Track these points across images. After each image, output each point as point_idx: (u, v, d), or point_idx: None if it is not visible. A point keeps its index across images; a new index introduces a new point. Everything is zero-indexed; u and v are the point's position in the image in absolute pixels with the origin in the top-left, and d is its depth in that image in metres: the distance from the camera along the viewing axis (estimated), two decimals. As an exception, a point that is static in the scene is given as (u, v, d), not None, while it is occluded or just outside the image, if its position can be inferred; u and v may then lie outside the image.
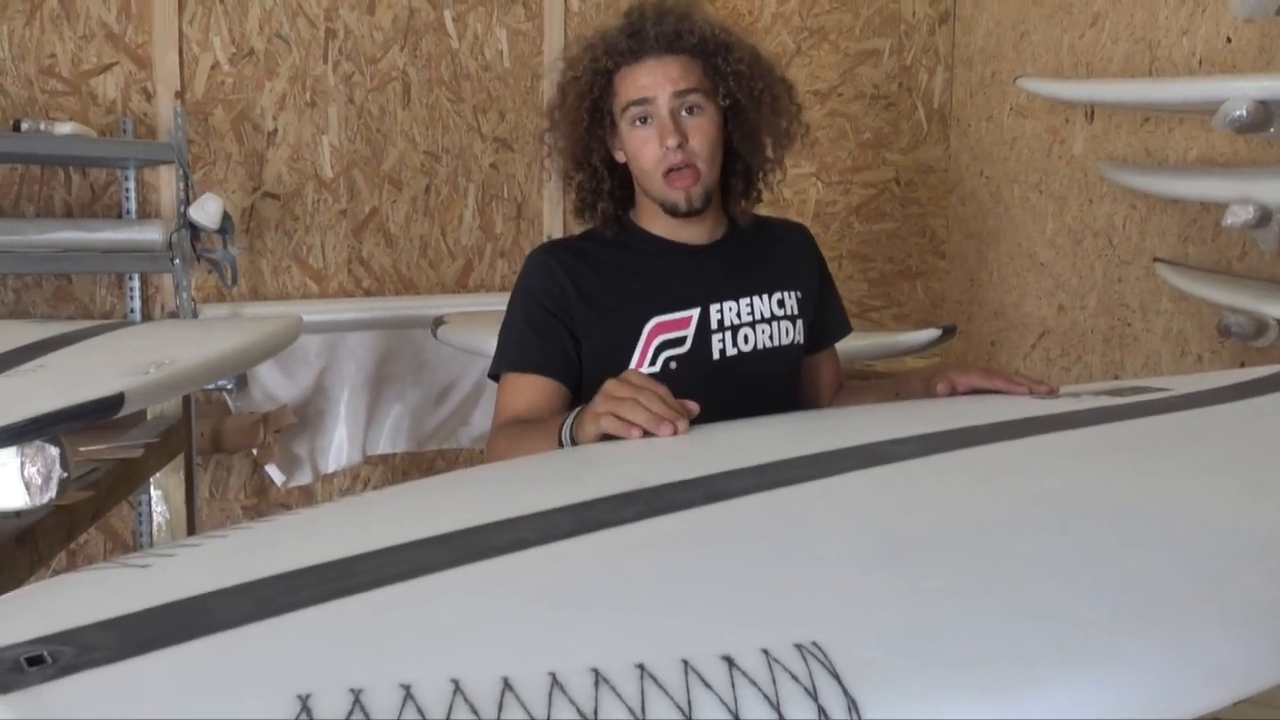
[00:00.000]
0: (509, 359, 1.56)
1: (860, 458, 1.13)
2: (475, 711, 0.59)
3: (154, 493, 2.74)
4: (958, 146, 4.05)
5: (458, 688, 0.60)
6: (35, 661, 0.62)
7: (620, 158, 1.59)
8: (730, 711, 0.61)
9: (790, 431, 1.38)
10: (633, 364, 1.53)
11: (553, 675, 0.62)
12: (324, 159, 3.41)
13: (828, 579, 0.81)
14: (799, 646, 0.67)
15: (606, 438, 1.26)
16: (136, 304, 3.15)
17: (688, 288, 1.57)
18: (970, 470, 1.13)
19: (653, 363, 1.53)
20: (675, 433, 1.23)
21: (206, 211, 2.97)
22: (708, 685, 0.63)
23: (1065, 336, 3.52)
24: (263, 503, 3.44)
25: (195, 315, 3.12)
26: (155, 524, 2.78)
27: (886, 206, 4.08)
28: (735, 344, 1.57)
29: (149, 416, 2.56)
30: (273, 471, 3.36)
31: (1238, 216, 2.44)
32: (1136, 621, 0.79)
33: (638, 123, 1.53)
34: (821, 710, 0.63)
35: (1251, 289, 2.63)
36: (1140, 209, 3.18)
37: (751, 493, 0.99)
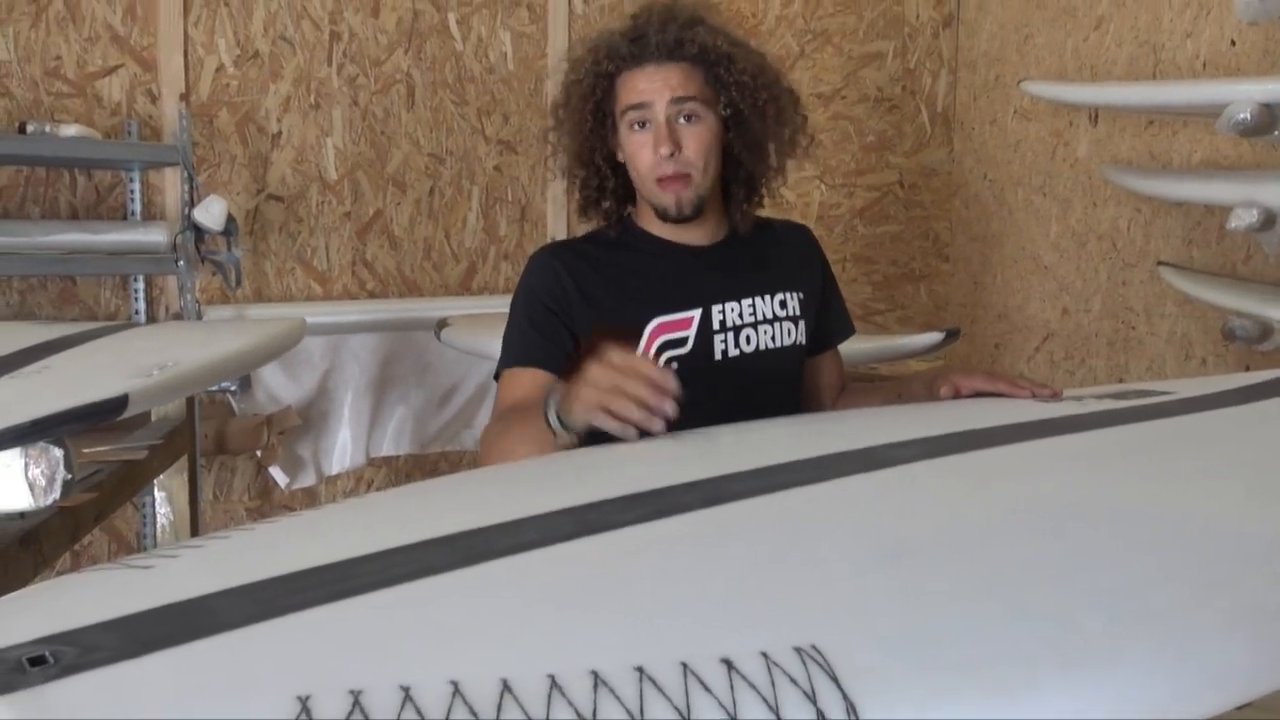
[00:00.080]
0: (511, 356, 1.56)
1: (861, 461, 1.13)
2: (474, 713, 0.59)
3: (158, 494, 2.75)
4: (961, 149, 4.05)
5: (457, 689, 0.60)
6: (37, 662, 0.62)
7: (622, 157, 1.59)
8: (729, 714, 0.62)
9: (791, 434, 1.38)
10: None
11: (552, 677, 0.62)
12: (328, 161, 3.42)
13: (827, 582, 0.81)
14: (798, 650, 0.67)
15: (597, 429, 1.26)
16: (141, 306, 3.16)
17: (690, 288, 1.58)
18: (971, 474, 1.13)
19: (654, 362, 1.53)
20: (667, 418, 1.22)
21: (211, 213, 2.98)
22: (707, 688, 0.63)
23: (1069, 340, 3.52)
24: (266, 504, 3.44)
25: (199, 317, 3.13)
26: (159, 525, 2.79)
27: (890, 209, 4.08)
28: (737, 345, 1.58)
29: (153, 418, 2.57)
30: (276, 473, 3.37)
31: (1242, 220, 2.43)
32: (1136, 625, 0.79)
33: (635, 127, 1.53)
34: (820, 713, 0.63)
35: (1256, 292, 2.62)
36: (1145, 212, 3.18)
37: (751, 496, 0.99)
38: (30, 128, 2.86)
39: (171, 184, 3.18)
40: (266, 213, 3.35)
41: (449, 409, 3.59)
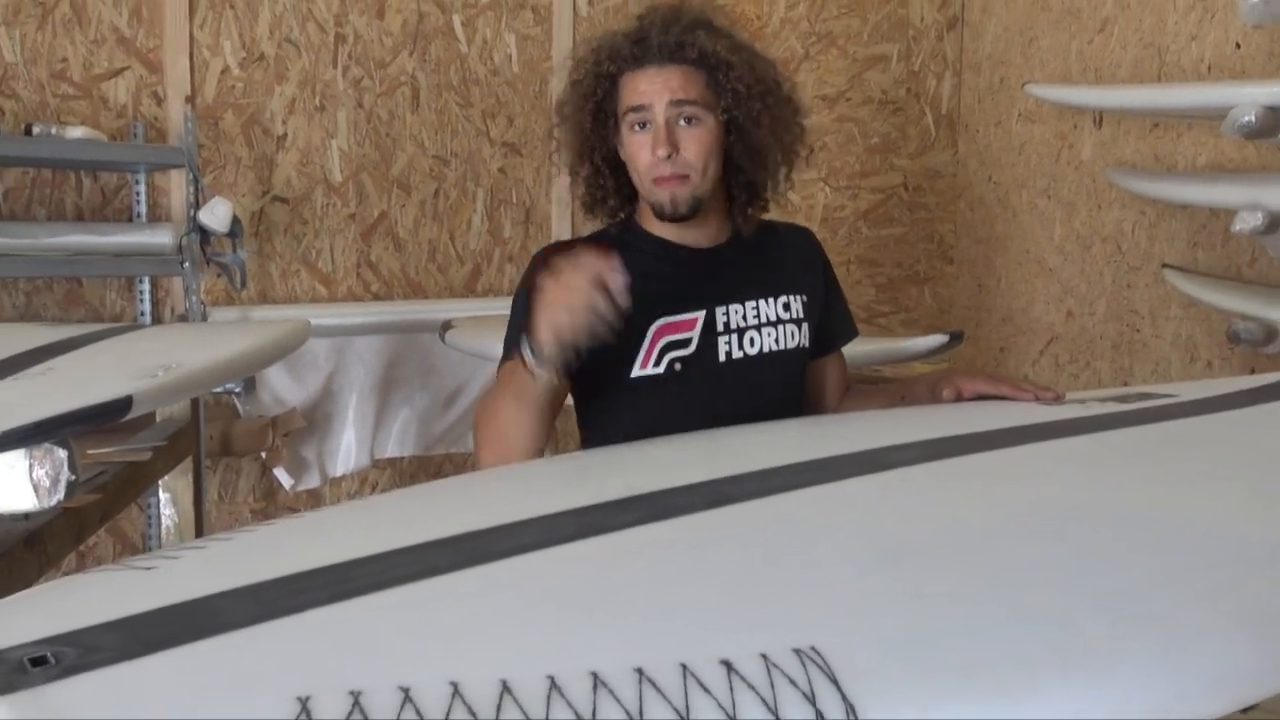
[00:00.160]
0: (509, 351, 1.56)
1: (863, 463, 1.13)
2: (473, 714, 0.59)
3: (163, 495, 2.75)
4: (966, 152, 4.05)
5: (456, 690, 0.60)
6: (39, 662, 0.62)
7: (624, 156, 1.60)
8: (728, 715, 0.62)
9: (793, 437, 1.38)
10: (637, 364, 1.53)
11: (551, 679, 0.62)
12: (333, 163, 3.42)
13: (827, 584, 0.82)
14: (798, 651, 0.67)
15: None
16: (146, 307, 3.16)
17: (693, 290, 1.58)
18: (973, 476, 1.13)
19: (657, 364, 1.54)
20: (614, 295, 1.26)
21: (216, 215, 2.99)
22: (706, 689, 0.63)
23: (1074, 342, 3.51)
24: (271, 506, 3.45)
25: (205, 318, 3.13)
26: (164, 527, 2.79)
27: (894, 212, 4.08)
28: (741, 347, 1.58)
29: (158, 420, 2.57)
30: (281, 475, 3.37)
31: (1247, 223, 2.43)
32: (1138, 628, 0.79)
33: (636, 128, 1.54)
34: (819, 714, 0.63)
35: (1261, 295, 2.62)
36: (1149, 215, 3.17)
37: (753, 498, 0.99)
38: (36, 130, 2.87)
39: (177, 186, 3.19)
40: (271, 215, 3.36)
41: (454, 411, 3.60)
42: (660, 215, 1.56)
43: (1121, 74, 3.23)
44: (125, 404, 1.37)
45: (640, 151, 1.53)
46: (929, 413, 1.54)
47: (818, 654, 0.67)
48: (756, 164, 1.58)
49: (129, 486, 2.09)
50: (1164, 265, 3.04)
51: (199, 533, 2.77)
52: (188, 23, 3.18)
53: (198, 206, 3.05)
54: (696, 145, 1.52)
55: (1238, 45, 2.80)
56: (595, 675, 0.63)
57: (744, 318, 1.59)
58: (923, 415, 1.52)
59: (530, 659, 0.65)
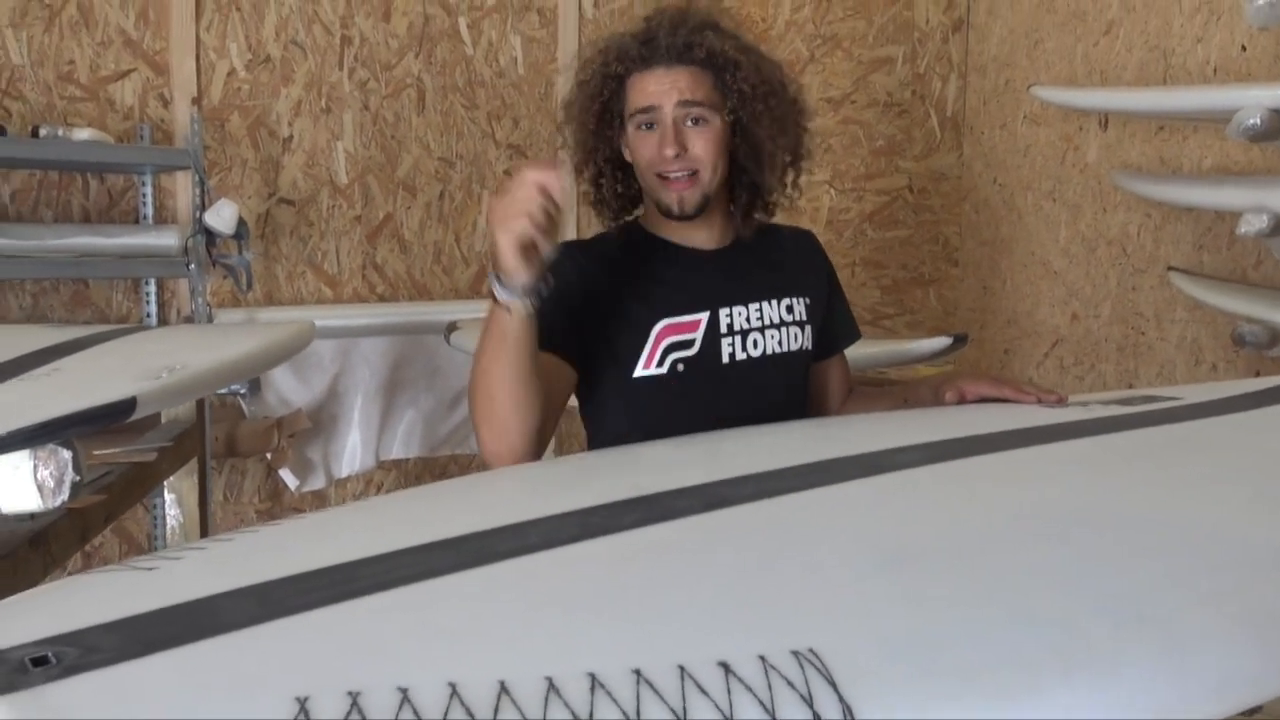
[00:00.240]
0: None
1: (865, 465, 1.13)
2: (471, 714, 0.59)
3: (168, 496, 2.76)
4: (971, 154, 4.05)
5: (454, 691, 0.61)
6: (40, 662, 0.63)
7: (629, 157, 1.60)
8: (725, 717, 0.62)
9: (794, 439, 1.38)
10: (640, 364, 1.53)
11: (549, 680, 0.62)
12: (339, 165, 3.43)
13: (827, 586, 0.82)
14: (795, 653, 0.67)
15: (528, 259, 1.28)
16: (153, 308, 3.17)
17: (697, 291, 1.58)
18: (974, 479, 1.13)
19: (660, 364, 1.54)
20: (555, 196, 1.25)
21: (222, 217, 2.99)
22: (703, 691, 0.63)
23: (1079, 345, 3.51)
24: (276, 507, 3.46)
25: (210, 320, 3.14)
26: (169, 527, 2.80)
27: (899, 214, 4.08)
28: (745, 349, 1.58)
29: (163, 421, 2.58)
30: (286, 476, 3.38)
31: (1252, 225, 2.42)
32: (1139, 630, 0.79)
33: (643, 128, 1.54)
34: (816, 716, 0.63)
35: (1266, 298, 2.61)
36: (1155, 217, 3.17)
37: (753, 500, 0.99)
38: (43, 132, 2.88)
39: (183, 188, 3.20)
40: (277, 216, 3.37)
41: (459, 412, 3.60)
42: (667, 214, 1.56)
43: (1127, 76, 3.23)
44: (129, 405, 1.37)
45: (647, 151, 1.53)
46: (931, 415, 1.53)
47: (816, 656, 0.67)
48: (761, 165, 1.59)
49: (134, 487, 2.10)
50: (1169, 268, 3.03)
51: (204, 533, 2.78)
52: (194, 25, 3.19)
53: (204, 208, 3.06)
54: (703, 144, 1.52)
55: (1244, 48, 2.80)
56: (593, 676, 0.63)
57: (747, 320, 1.59)
58: (925, 417, 1.52)
59: (528, 660, 0.65)
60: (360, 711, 0.59)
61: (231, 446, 3.24)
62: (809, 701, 0.64)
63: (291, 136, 3.36)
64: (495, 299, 1.32)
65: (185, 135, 3.15)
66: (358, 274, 3.48)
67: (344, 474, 3.51)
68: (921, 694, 0.69)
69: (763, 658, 0.66)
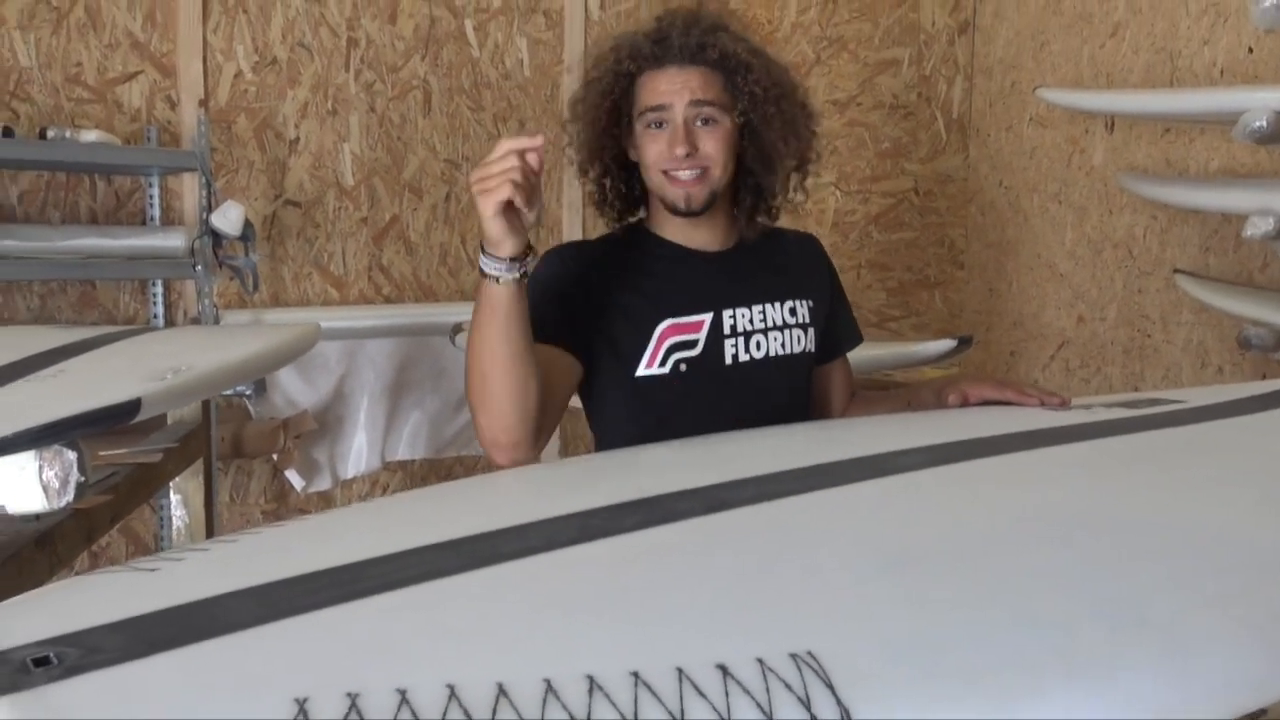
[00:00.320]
0: None
1: (866, 468, 1.13)
2: (468, 715, 0.59)
3: (174, 497, 2.77)
4: (977, 156, 4.04)
5: (453, 693, 0.61)
6: (42, 662, 0.63)
7: (634, 156, 1.60)
8: (722, 719, 0.62)
9: (796, 442, 1.38)
10: (643, 364, 1.54)
11: (547, 682, 0.63)
12: (345, 167, 3.44)
13: (827, 589, 0.82)
14: (794, 656, 0.68)
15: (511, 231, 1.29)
16: (159, 310, 3.18)
17: (701, 292, 1.58)
18: (976, 482, 1.13)
19: (663, 364, 1.54)
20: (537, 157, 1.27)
21: (228, 219, 3.00)
22: (701, 693, 0.63)
23: (1085, 347, 3.50)
24: (282, 508, 3.47)
25: (217, 321, 3.15)
26: (175, 528, 2.80)
27: (905, 216, 4.07)
28: (748, 350, 1.58)
29: (169, 422, 2.59)
30: (292, 477, 3.39)
31: (1258, 228, 2.42)
32: (1141, 633, 0.79)
33: (652, 126, 1.54)
34: (813, 719, 0.63)
35: (1272, 301, 2.61)
36: (1161, 220, 3.17)
37: (754, 503, 0.99)
38: (51, 133, 2.89)
39: (190, 189, 3.21)
40: (284, 218, 3.37)
41: (464, 413, 3.61)
42: (674, 211, 1.56)
43: (1133, 78, 3.22)
44: (134, 406, 1.38)
45: (656, 150, 1.53)
46: (934, 418, 1.54)
47: (814, 658, 0.67)
48: (768, 168, 1.59)
49: (140, 488, 2.11)
50: (1175, 270, 3.03)
51: (209, 534, 2.78)
52: (201, 27, 3.21)
53: (210, 210, 3.07)
54: (713, 143, 1.53)
55: (1250, 50, 2.79)
56: (591, 678, 0.63)
57: (751, 321, 1.59)
58: (928, 420, 1.52)
59: (527, 661, 0.65)
60: (359, 712, 0.59)
61: (238, 447, 3.25)
62: (806, 704, 0.64)
63: (298, 138, 3.37)
64: (484, 273, 1.32)
65: (192, 137, 3.16)
66: (364, 275, 3.49)
67: (350, 475, 3.52)
68: (920, 696, 0.69)
69: (761, 660, 0.66)
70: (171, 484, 2.68)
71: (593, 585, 0.81)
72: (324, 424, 3.44)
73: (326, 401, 3.45)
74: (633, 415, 1.55)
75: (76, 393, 1.48)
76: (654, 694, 0.62)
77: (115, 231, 3.04)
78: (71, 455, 1.37)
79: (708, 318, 1.57)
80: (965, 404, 1.59)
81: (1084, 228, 3.49)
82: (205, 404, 2.69)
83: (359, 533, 0.94)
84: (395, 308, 3.53)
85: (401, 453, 3.58)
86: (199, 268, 3.05)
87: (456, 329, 3.12)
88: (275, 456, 3.35)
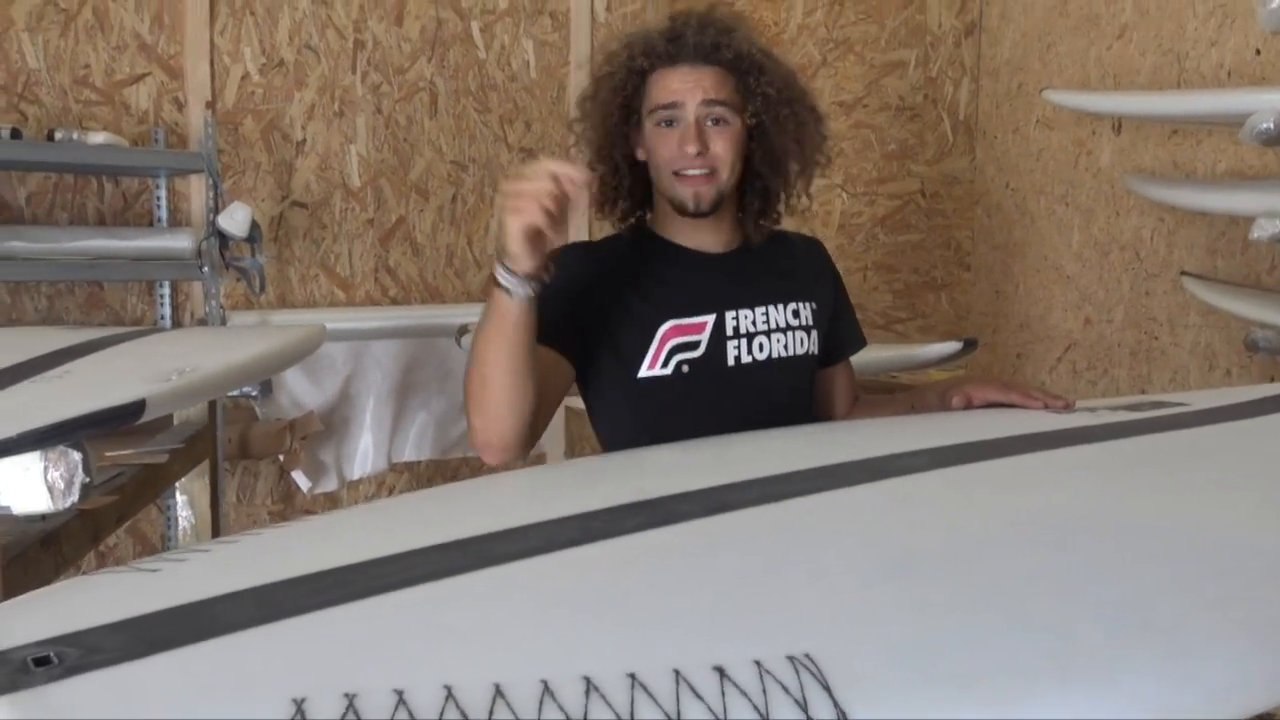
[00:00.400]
0: None
1: (868, 470, 1.13)
2: (465, 716, 0.60)
3: (179, 498, 2.77)
4: (983, 158, 4.04)
5: (450, 693, 0.61)
6: (42, 662, 0.63)
7: (641, 156, 1.60)
8: (719, 721, 0.62)
9: (798, 443, 1.38)
10: (645, 365, 1.54)
11: (544, 683, 0.63)
12: (352, 168, 3.45)
13: (827, 591, 0.82)
14: (791, 658, 0.68)
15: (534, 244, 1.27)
16: (167, 311, 3.19)
17: (704, 293, 1.58)
18: (978, 484, 1.13)
19: (665, 365, 1.54)
20: (574, 190, 1.25)
21: (235, 220, 3.01)
22: (698, 695, 0.63)
23: (1092, 350, 3.49)
24: (289, 508, 3.47)
25: (224, 322, 3.16)
26: (181, 529, 2.81)
27: (912, 218, 4.07)
28: (750, 351, 1.58)
29: (175, 422, 2.59)
30: (299, 478, 3.40)
31: (1266, 230, 2.41)
32: (1140, 636, 0.79)
33: (663, 125, 1.54)
34: (809, 721, 0.63)
35: (1280, 303, 2.60)
36: (1168, 222, 3.16)
37: (755, 505, 0.99)
38: (59, 135, 2.90)
39: (197, 191, 3.22)
40: (291, 219, 3.38)
41: (469, 415, 3.61)
42: (681, 210, 1.56)
43: (1140, 80, 3.22)
44: (138, 407, 1.38)
45: (667, 148, 1.54)
46: (937, 420, 1.53)
47: (811, 661, 0.67)
48: (775, 171, 1.59)
49: (146, 489, 2.11)
50: (1183, 273, 3.02)
51: (216, 535, 2.79)
52: (208, 29, 3.22)
53: (217, 211, 3.08)
54: (723, 143, 1.53)
55: (1258, 51, 2.79)
56: (588, 680, 0.63)
57: (753, 323, 1.59)
58: (931, 423, 1.52)
59: (524, 662, 0.66)
60: (356, 713, 0.59)
61: (244, 448, 3.25)
62: (803, 706, 0.64)
63: (305, 140, 3.38)
64: (497, 283, 1.32)
65: (199, 139, 3.17)
66: (370, 277, 3.50)
67: (356, 476, 3.52)
68: (918, 699, 0.69)
69: (758, 662, 0.66)
70: (178, 485, 2.69)
71: (592, 587, 0.81)
72: (330, 425, 3.44)
73: (333, 403, 3.45)
74: (634, 416, 1.55)
75: (81, 394, 1.49)
76: (650, 695, 0.62)
77: (122, 233, 3.05)
78: (76, 456, 1.37)
79: (710, 319, 1.57)
80: (969, 406, 1.58)
81: (1091, 230, 3.48)
82: (211, 405, 2.70)
83: (359, 534, 0.95)
84: (401, 309, 3.53)
85: (408, 454, 3.59)
86: (206, 269, 3.06)
87: (462, 330, 3.13)
88: (282, 457, 3.35)
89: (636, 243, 1.64)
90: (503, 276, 1.30)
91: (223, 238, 3.06)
